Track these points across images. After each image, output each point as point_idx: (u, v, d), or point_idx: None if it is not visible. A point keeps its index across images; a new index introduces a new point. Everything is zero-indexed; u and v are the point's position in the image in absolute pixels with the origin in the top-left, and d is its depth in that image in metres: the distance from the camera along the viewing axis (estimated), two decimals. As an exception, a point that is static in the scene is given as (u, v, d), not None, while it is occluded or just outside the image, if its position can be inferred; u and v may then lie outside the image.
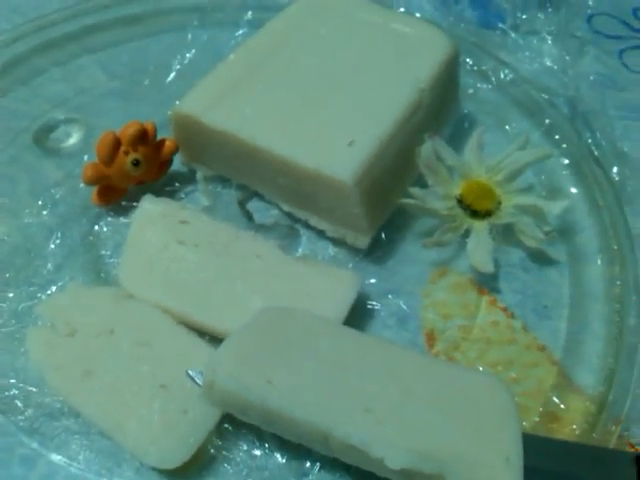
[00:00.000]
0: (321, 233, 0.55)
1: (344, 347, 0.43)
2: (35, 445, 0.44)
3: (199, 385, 0.42)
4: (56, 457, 0.43)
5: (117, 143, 0.53)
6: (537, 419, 0.47)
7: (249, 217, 0.57)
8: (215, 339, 0.47)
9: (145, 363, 0.45)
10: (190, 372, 0.43)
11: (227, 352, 0.41)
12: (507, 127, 0.64)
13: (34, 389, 0.45)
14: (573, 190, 0.60)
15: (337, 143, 0.51)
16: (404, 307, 0.53)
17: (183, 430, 0.43)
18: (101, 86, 0.65)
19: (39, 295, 0.50)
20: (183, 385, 0.44)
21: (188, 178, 0.58)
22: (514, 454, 0.38)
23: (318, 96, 0.54)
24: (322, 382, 0.40)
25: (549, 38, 0.73)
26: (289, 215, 0.56)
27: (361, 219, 0.52)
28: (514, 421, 0.40)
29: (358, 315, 0.50)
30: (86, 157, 0.57)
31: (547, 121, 0.63)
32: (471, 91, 0.65)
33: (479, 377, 0.43)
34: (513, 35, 0.72)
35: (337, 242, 0.55)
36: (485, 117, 0.65)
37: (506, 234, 0.56)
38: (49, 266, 0.52)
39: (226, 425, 0.44)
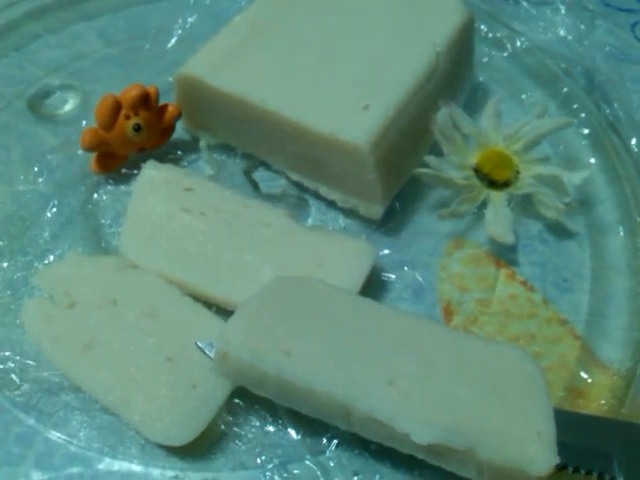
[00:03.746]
0: (331, 204, 0.53)
1: (362, 317, 0.41)
2: (32, 422, 0.42)
3: (210, 357, 0.40)
4: (55, 435, 0.41)
5: (117, 106, 0.51)
6: (562, 394, 0.45)
7: (255, 187, 0.54)
8: (223, 311, 0.45)
9: (150, 335, 0.43)
10: (199, 343, 0.40)
11: (240, 321, 0.39)
12: (523, 96, 0.62)
13: (31, 362, 0.43)
14: (592, 161, 0.58)
15: (351, 106, 0.48)
16: (420, 279, 0.50)
17: (191, 405, 0.40)
18: (98, 52, 0.63)
19: (35, 264, 0.48)
20: (191, 357, 0.42)
21: (191, 146, 0.56)
22: (546, 428, 0.36)
23: (330, 58, 0.52)
24: (342, 353, 0.38)
25: (562, 8, 0.70)
26: (297, 185, 0.54)
27: (375, 187, 0.49)
28: (543, 394, 0.38)
29: (372, 287, 0.48)
30: (84, 123, 0.55)
31: (565, 89, 0.61)
32: (486, 59, 0.63)
33: (505, 349, 0.41)
34: (525, 4, 0.70)
35: (348, 213, 0.53)
36: (499, 86, 0.62)
37: (524, 205, 0.54)
38: (46, 235, 0.50)
39: (237, 400, 0.42)
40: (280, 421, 0.42)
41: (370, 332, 0.40)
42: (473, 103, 0.60)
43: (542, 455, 0.35)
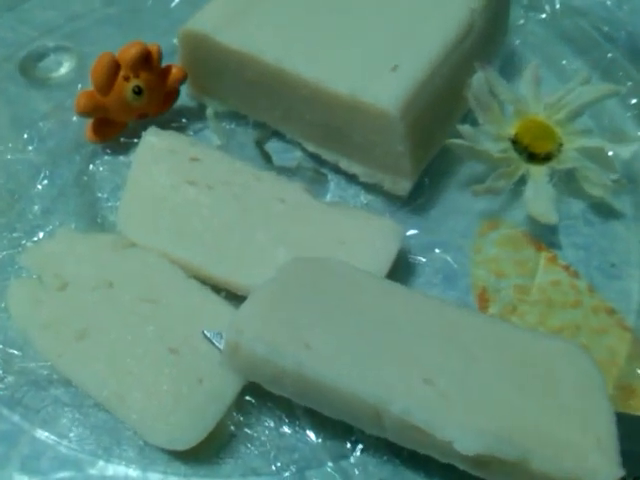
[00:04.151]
0: (352, 178, 0.49)
1: (391, 304, 0.36)
2: (17, 419, 0.38)
3: (219, 348, 0.35)
4: (42, 433, 0.38)
5: (116, 66, 0.47)
6: (612, 393, 0.40)
7: (268, 159, 0.51)
8: (232, 296, 0.42)
9: (150, 322, 0.39)
10: (207, 333, 0.36)
11: (254, 309, 0.34)
12: (564, 62, 0.56)
13: (16, 352, 0.39)
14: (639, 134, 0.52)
15: (378, 67, 0.44)
16: (451, 263, 0.46)
17: (197, 403, 0.36)
18: (96, 12, 0.60)
19: (23, 242, 0.44)
20: (197, 349, 0.38)
21: (197, 114, 0.53)
22: (606, 434, 0.32)
23: (354, 12, 0.47)
24: (370, 345, 0.33)
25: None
26: (314, 157, 0.50)
27: (404, 159, 0.45)
28: (602, 395, 0.33)
29: (399, 271, 0.44)
30: (79, 86, 0.52)
31: (609, 55, 0.56)
32: (521, 22, 0.58)
33: (555, 342, 0.36)
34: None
35: (371, 188, 0.49)
36: (536, 52, 0.57)
37: (566, 181, 0.49)
38: (35, 209, 0.46)
39: (248, 397, 0.38)
40: (297, 422, 0.38)
41: (401, 322, 0.35)
42: (507, 70, 0.55)
43: (604, 466, 0.31)
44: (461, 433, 0.30)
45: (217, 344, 0.35)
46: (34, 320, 0.39)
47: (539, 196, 0.47)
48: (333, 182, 0.49)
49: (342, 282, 0.37)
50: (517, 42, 0.57)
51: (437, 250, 0.46)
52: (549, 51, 0.57)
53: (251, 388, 0.37)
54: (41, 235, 0.44)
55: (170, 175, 0.45)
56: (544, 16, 0.58)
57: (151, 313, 0.39)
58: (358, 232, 0.43)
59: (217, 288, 0.41)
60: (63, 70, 0.55)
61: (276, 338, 0.33)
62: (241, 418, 0.37)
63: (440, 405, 0.32)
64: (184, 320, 0.39)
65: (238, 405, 0.37)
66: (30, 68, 0.55)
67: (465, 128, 0.47)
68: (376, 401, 0.32)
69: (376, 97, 0.42)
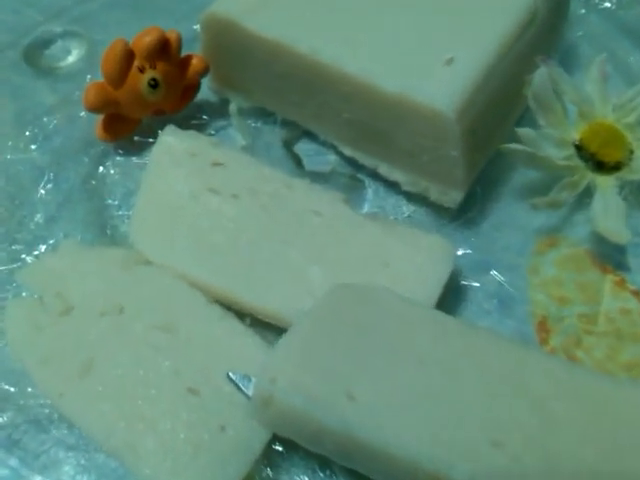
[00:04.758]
0: (392, 186, 0.45)
1: (446, 344, 0.31)
2: (14, 463, 0.34)
3: (246, 395, 0.30)
4: None
5: (130, 56, 0.43)
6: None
7: (298, 163, 0.47)
8: (259, 323, 0.37)
9: (166, 356, 0.34)
10: (232, 375, 0.31)
11: (290, 352, 0.29)
12: (630, 59, 0.51)
13: (12, 389, 0.35)
14: None
15: (430, 61, 0.39)
16: (507, 286, 0.41)
17: (220, 454, 0.32)
18: None
19: (23, 256, 0.41)
20: (219, 389, 0.33)
21: (219, 110, 0.49)
22: None
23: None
24: (425, 398, 0.28)
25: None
26: (351, 161, 0.46)
27: (457, 167, 0.40)
28: None
29: (449, 295, 0.39)
30: (89, 77, 0.49)
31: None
32: (582, 11, 0.53)
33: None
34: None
35: (414, 198, 0.44)
36: (597, 46, 0.51)
37: (637, 194, 0.44)
38: (38, 218, 0.43)
39: (278, 447, 0.33)
40: (334, 476, 0.33)
41: (460, 367, 0.30)
42: (565, 65, 0.49)
43: None
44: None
45: (245, 390, 0.30)
46: (34, 350, 0.35)
47: (608, 211, 0.42)
48: (371, 189, 0.45)
49: (389, 316, 0.32)
50: (579, 34, 0.51)
51: (491, 271, 0.41)
52: (612, 46, 0.52)
53: (281, 436, 0.32)
54: (43, 248, 0.41)
55: (189, 181, 0.41)
56: (608, 5, 0.53)
57: (167, 345, 0.34)
58: (404, 252, 0.38)
59: (241, 314, 0.37)
60: (71, 59, 0.52)
61: (315, 389, 0.27)
62: (270, 471, 0.33)
63: (513, 472, 0.27)
64: (205, 354, 0.34)
65: (266, 456, 0.33)
66: (35, 56, 0.51)
67: (525, 131, 0.42)
68: (436, 467, 0.27)
69: (429, 96, 0.38)
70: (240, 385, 0.30)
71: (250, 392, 0.30)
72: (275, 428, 0.30)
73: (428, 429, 0.27)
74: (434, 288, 0.37)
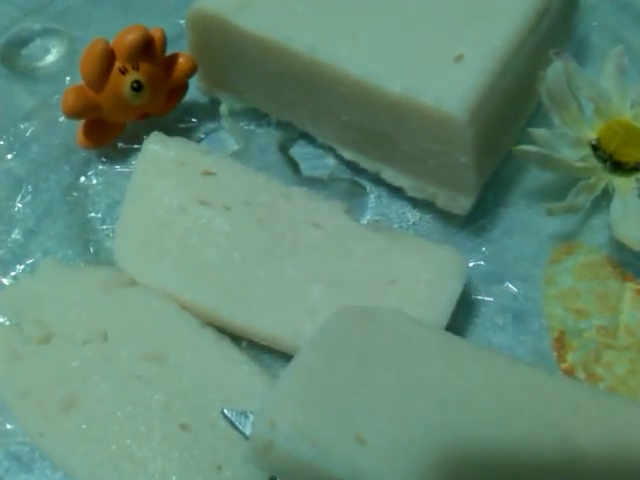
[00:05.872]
0: (396, 191, 0.43)
1: (467, 375, 0.29)
2: None
3: (244, 434, 0.27)
4: None
5: (110, 57, 0.41)
6: None
7: (294, 167, 0.45)
8: (256, 346, 0.35)
9: (156, 388, 0.32)
10: (227, 412, 0.28)
11: (291, 389, 0.26)
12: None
13: None
14: None
15: (438, 58, 0.37)
16: (521, 299, 0.39)
17: None
18: None
19: None
20: (214, 424, 0.31)
21: (209, 112, 0.47)
22: None
23: None
24: (445, 439, 0.26)
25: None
26: (351, 166, 0.44)
27: (467, 172, 0.38)
28: None
29: (459, 309, 0.37)
30: (68, 79, 0.47)
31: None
32: (592, 1, 0.50)
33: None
34: None
35: (419, 204, 0.42)
36: (610, 38, 0.49)
37: None
38: (15, 234, 0.41)
39: None
40: None
41: (481, 400, 0.28)
42: (577, 59, 0.47)
43: None
44: None
45: (242, 428, 0.27)
46: (11, 383, 0.33)
47: (628, 215, 0.40)
48: (373, 196, 0.43)
49: (399, 342, 0.29)
50: (593, 24, 0.49)
51: (504, 283, 0.39)
52: (627, 36, 0.49)
53: (283, 475, 0.30)
54: (20, 269, 0.38)
55: (177, 193, 0.39)
56: (620, -5, 0.51)
57: (156, 376, 0.32)
58: (411, 266, 0.36)
59: (237, 337, 0.35)
60: (50, 58, 0.50)
61: (321, 432, 0.25)
62: (271, 515, 0.31)
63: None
64: (198, 385, 0.32)
65: (267, 497, 0.31)
66: (12, 56, 0.50)
67: (539, 132, 0.40)
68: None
69: (437, 97, 0.35)
70: (237, 423, 0.28)
71: (248, 431, 0.27)
72: (277, 474, 0.27)
73: (450, 473, 0.25)
74: (445, 307, 0.35)
